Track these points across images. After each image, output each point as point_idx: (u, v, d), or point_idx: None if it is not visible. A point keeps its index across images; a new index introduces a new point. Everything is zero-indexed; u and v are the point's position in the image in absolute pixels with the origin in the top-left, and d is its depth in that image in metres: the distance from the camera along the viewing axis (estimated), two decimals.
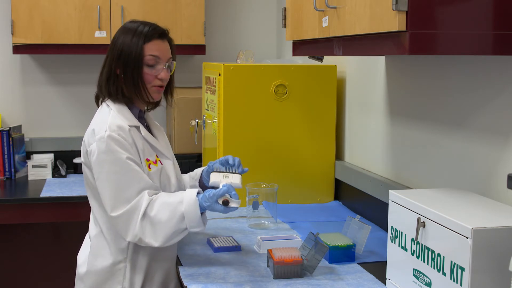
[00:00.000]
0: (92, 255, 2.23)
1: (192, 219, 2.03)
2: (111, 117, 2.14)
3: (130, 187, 2.05)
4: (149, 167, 2.16)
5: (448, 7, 1.63)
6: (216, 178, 2.17)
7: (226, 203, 2.02)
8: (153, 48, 2.16)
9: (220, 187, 2.07)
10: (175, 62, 2.25)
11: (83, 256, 2.28)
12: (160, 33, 2.19)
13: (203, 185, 2.39)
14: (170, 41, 2.24)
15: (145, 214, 2.03)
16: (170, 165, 2.26)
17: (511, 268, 1.41)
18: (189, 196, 2.05)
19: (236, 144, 2.99)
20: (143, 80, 2.16)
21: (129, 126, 2.14)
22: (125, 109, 2.19)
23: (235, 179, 2.16)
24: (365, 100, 2.91)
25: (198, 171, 2.44)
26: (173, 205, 2.04)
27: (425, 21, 1.62)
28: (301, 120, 3.05)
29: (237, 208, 2.04)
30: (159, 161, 2.21)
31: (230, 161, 2.25)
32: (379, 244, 2.39)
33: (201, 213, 2.06)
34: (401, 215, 1.87)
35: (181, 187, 2.31)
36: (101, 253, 2.20)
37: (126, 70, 2.16)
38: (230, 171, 2.22)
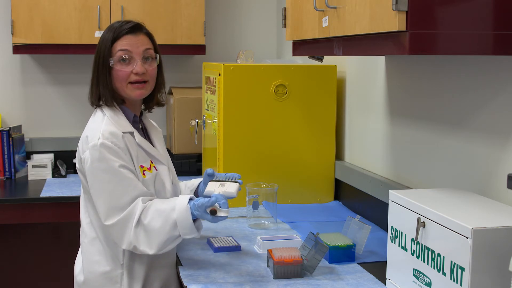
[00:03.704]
0: (88, 262, 2.21)
1: (185, 226, 2.02)
2: (104, 124, 2.12)
3: (124, 195, 2.04)
4: (144, 174, 2.14)
5: (448, 7, 1.63)
6: (211, 187, 2.13)
7: (213, 212, 2.00)
8: (122, 43, 2.14)
9: (211, 196, 2.05)
10: (158, 54, 2.22)
11: (79, 265, 2.27)
12: (131, 27, 2.15)
13: (199, 196, 2.34)
14: (148, 34, 2.21)
15: (139, 221, 2.03)
16: (165, 171, 2.24)
17: (511, 268, 1.41)
18: (181, 203, 2.04)
19: (236, 144, 2.99)
20: (111, 80, 2.14)
21: (123, 132, 2.12)
22: (119, 115, 2.17)
23: (230, 187, 2.12)
24: (365, 100, 2.91)
25: (195, 182, 2.40)
26: (166, 212, 2.03)
27: (425, 21, 1.62)
28: (301, 120, 3.05)
29: (226, 217, 2.02)
30: (154, 167, 2.19)
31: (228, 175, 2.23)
32: (379, 244, 2.39)
33: (195, 220, 2.04)
34: (401, 215, 1.87)
35: (176, 193, 2.29)
36: (97, 259, 2.19)
37: (99, 70, 2.15)
38: (228, 180, 2.19)
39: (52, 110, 4.06)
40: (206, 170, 2.28)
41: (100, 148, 2.06)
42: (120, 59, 2.14)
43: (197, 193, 2.37)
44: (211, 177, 2.24)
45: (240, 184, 2.17)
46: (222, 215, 2.01)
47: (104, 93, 2.16)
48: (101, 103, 2.19)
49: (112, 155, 2.06)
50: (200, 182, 2.37)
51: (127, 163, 2.08)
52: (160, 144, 2.32)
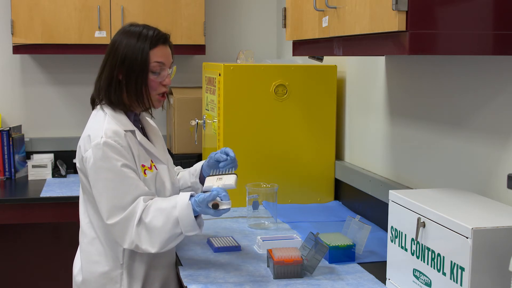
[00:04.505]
0: (87, 262, 2.21)
1: (187, 223, 2.02)
2: (106, 123, 2.11)
3: (126, 194, 2.04)
4: (145, 173, 2.14)
5: (448, 7, 1.63)
6: (209, 182, 2.15)
7: (215, 206, 2.01)
8: (158, 55, 2.14)
9: (211, 190, 2.06)
10: (175, 66, 2.24)
11: (78, 265, 2.27)
12: (164, 38, 2.17)
13: (204, 180, 2.34)
14: (170, 44, 2.22)
15: (140, 220, 2.03)
16: (165, 170, 2.25)
17: (511, 268, 1.41)
18: (182, 200, 2.04)
19: (236, 144, 2.99)
20: (147, 88, 2.14)
21: (125, 131, 2.12)
22: (120, 114, 2.17)
23: (228, 180, 2.13)
24: (365, 100, 2.91)
25: (197, 167, 2.41)
26: (167, 210, 2.03)
27: (425, 21, 1.62)
28: (301, 120, 3.05)
29: (228, 209, 2.03)
30: (154, 166, 2.20)
31: (231, 154, 2.24)
32: (379, 244, 2.39)
33: (196, 216, 2.05)
34: (401, 215, 1.87)
35: (175, 192, 2.29)
36: (96, 259, 2.19)
37: (130, 76, 2.12)
38: (226, 173, 2.21)
39: (52, 110, 4.06)
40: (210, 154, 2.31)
41: (103, 147, 2.05)
42: (155, 70, 2.14)
43: (201, 176, 2.38)
44: (212, 161, 2.26)
45: (236, 175, 2.18)
46: (224, 207, 2.02)
47: (130, 98, 2.15)
48: (117, 107, 2.17)
49: (115, 154, 2.06)
50: (203, 164, 2.38)
51: (130, 162, 2.08)
52: (159, 143, 2.32)
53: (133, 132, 2.16)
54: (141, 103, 2.16)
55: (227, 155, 2.26)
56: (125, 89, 2.14)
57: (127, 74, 2.13)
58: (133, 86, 2.13)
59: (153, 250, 2.03)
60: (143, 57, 2.11)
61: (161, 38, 2.15)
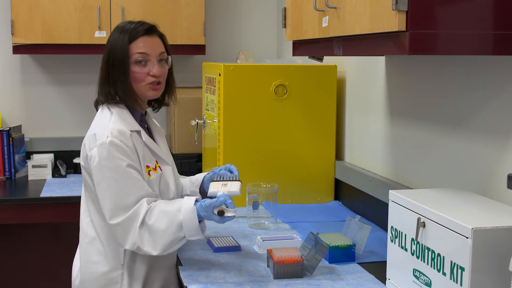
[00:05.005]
0: (87, 262, 2.20)
1: (190, 228, 2.02)
2: (112, 122, 2.11)
3: (130, 195, 2.04)
4: (149, 174, 2.14)
5: (448, 7, 1.63)
6: (214, 188, 2.14)
7: (221, 213, 2.01)
8: (139, 46, 2.14)
9: (217, 197, 2.06)
10: (170, 56, 2.23)
11: (78, 265, 2.26)
12: (146, 29, 2.16)
13: (204, 191, 2.36)
14: (161, 36, 2.21)
15: (143, 222, 2.02)
16: (170, 171, 2.24)
17: (511, 268, 1.41)
18: (187, 205, 2.04)
19: (236, 144, 2.99)
20: (129, 80, 2.13)
21: (131, 131, 2.12)
22: (126, 113, 2.17)
23: (233, 187, 2.13)
24: (365, 100, 2.91)
25: (199, 177, 2.40)
26: (171, 213, 2.03)
27: (425, 21, 1.62)
28: (301, 120, 3.05)
29: (233, 217, 2.03)
30: (159, 167, 2.19)
31: (235, 172, 2.25)
32: (379, 244, 2.39)
33: (200, 221, 2.05)
34: (401, 215, 1.87)
35: (179, 194, 2.29)
36: (96, 259, 2.18)
37: (114, 70, 2.14)
38: (230, 179, 2.21)
39: (52, 110, 4.06)
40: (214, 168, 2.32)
41: (109, 146, 2.05)
42: (137, 61, 2.14)
43: (202, 187, 2.38)
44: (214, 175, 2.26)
45: (240, 182, 2.18)
46: (230, 215, 2.02)
47: (120, 92, 2.15)
48: (112, 101, 2.18)
49: (120, 154, 2.05)
50: (205, 176, 2.37)
51: (134, 163, 2.08)
52: (163, 144, 2.32)
53: (138, 132, 2.16)
54: (129, 95, 2.16)
55: (231, 172, 2.26)
56: (113, 84, 2.15)
57: (112, 69, 2.15)
58: (118, 80, 2.14)
59: (154, 252, 2.03)
60: (123, 51, 2.13)
61: (141, 30, 2.15)
